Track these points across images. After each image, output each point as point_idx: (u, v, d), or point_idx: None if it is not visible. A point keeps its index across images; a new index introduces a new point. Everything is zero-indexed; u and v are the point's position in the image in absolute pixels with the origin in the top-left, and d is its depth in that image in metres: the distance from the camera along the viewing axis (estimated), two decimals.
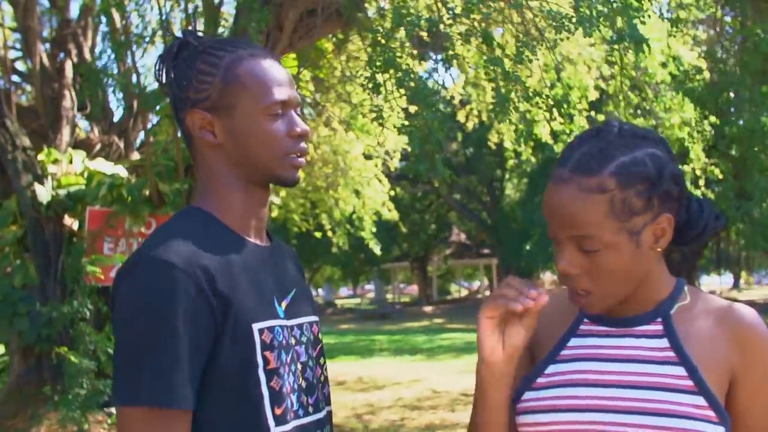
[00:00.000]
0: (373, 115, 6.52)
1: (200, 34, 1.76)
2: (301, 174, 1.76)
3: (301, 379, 1.70)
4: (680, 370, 1.56)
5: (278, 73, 1.71)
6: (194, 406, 1.51)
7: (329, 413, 1.82)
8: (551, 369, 1.68)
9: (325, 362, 1.85)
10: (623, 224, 1.55)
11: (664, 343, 1.61)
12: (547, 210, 1.62)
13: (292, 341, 1.69)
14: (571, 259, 1.59)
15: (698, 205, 1.70)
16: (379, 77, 6.04)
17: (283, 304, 1.71)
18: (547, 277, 48.29)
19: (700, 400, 1.52)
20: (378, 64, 5.90)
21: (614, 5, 5.41)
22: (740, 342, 1.58)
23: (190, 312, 1.50)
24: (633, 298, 1.65)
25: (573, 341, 1.70)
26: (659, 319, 1.64)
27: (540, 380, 1.67)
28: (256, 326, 1.59)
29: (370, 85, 6.09)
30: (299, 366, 1.70)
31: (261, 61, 1.70)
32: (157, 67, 1.74)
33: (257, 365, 1.58)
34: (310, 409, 1.71)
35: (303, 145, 1.73)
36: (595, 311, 1.64)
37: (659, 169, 1.57)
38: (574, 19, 5.38)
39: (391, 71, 5.98)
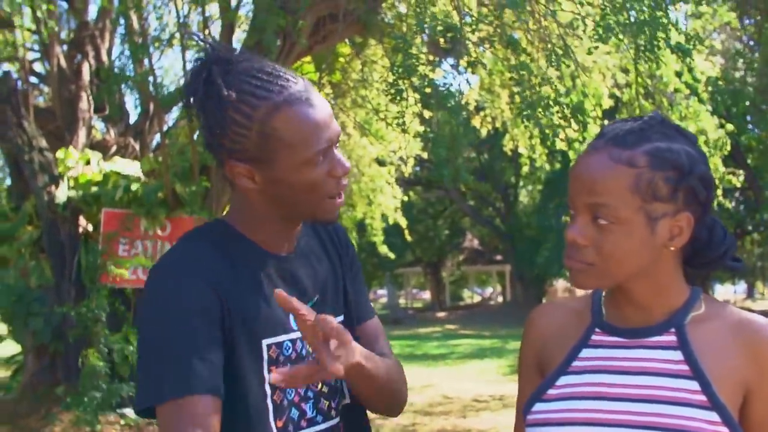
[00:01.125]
0: (392, 120, 6.54)
1: (224, 51, 1.64)
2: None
3: (320, 385, 1.70)
4: (694, 385, 1.52)
5: (318, 115, 1.61)
6: (221, 395, 1.52)
7: (355, 412, 1.83)
8: (562, 380, 1.64)
9: None
10: (644, 204, 1.52)
11: (678, 355, 1.56)
12: (573, 175, 1.59)
13: (308, 350, 1.68)
14: (582, 228, 1.56)
15: (723, 230, 1.65)
16: (402, 83, 6.06)
17: None
18: (560, 284, 48.17)
19: (714, 416, 1.48)
20: (399, 71, 5.91)
21: (642, 17, 5.42)
22: (756, 355, 1.53)
23: (208, 315, 1.53)
24: (646, 305, 1.61)
25: (584, 352, 1.66)
26: (672, 330, 1.59)
27: (551, 392, 1.63)
28: (265, 342, 1.61)
29: (392, 91, 6.10)
30: None
31: (297, 107, 1.58)
32: (185, 94, 1.65)
33: (264, 379, 1.60)
34: (333, 413, 1.73)
35: (344, 182, 1.68)
36: (587, 287, 1.61)
37: (691, 164, 1.54)
38: (600, 29, 5.39)
39: (413, 78, 6.00)
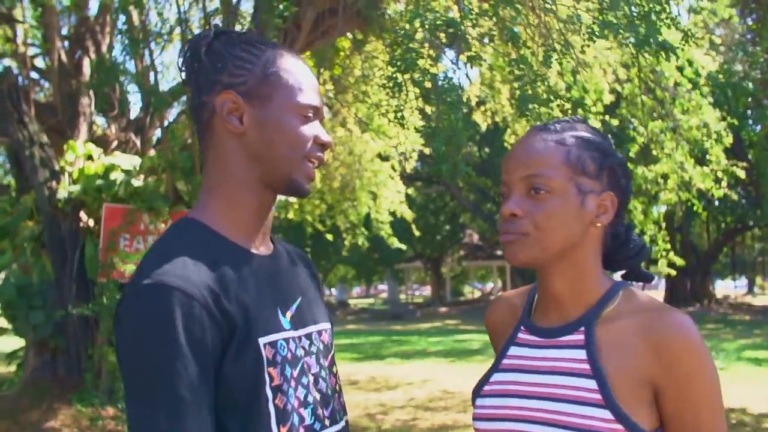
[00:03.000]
0: (392, 115, 6.53)
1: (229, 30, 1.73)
2: (316, 180, 1.73)
3: (314, 391, 1.65)
4: (591, 383, 1.58)
5: (313, 79, 1.71)
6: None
7: (347, 424, 1.78)
8: (494, 378, 1.75)
9: (337, 371, 1.80)
10: (574, 176, 1.64)
11: (582, 354, 1.62)
12: (507, 157, 1.71)
13: (301, 353, 1.64)
14: (518, 201, 1.64)
15: (636, 235, 1.78)
16: (400, 77, 6.05)
17: (288, 314, 1.65)
18: None
19: (607, 414, 1.53)
20: (398, 64, 5.91)
21: (640, 11, 5.41)
22: (660, 352, 1.57)
23: (197, 336, 1.45)
24: (562, 298, 1.69)
25: (512, 350, 1.76)
26: (582, 329, 1.65)
27: (486, 388, 1.76)
28: (261, 341, 1.54)
29: (391, 85, 6.10)
30: (311, 378, 1.65)
31: (299, 62, 1.70)
32: (186, 52, 1.68)
33: (264, 382, 1.53)
34: (327, 422, 1.66)
35: (323, 155, 1.71)
36: (521, 259, 1.66)
37: (612, 150, 1.71)
38: (595, 26, 5.39)
39: (412, 73, 5.99)
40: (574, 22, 5.73)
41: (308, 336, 1.69)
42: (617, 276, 1.84)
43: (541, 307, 1.76)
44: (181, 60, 1.69)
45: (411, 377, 14.18)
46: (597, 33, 5.40)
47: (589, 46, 5.66)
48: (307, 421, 1.60)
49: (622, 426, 1.53)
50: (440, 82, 6.41)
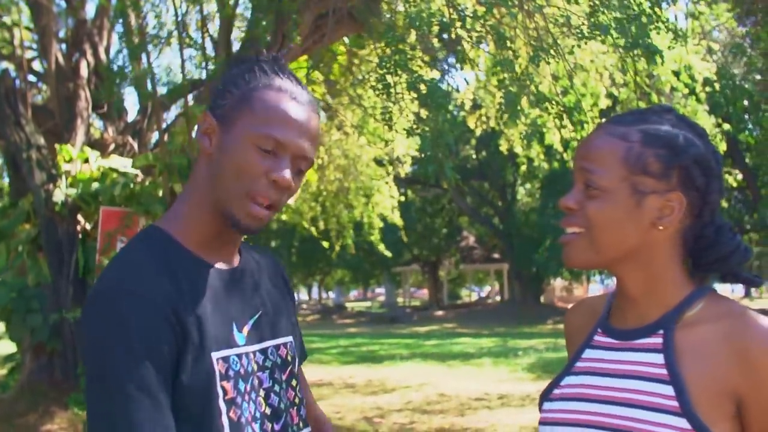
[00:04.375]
0: (380, 116, 6.54)
1: (282, 61, 1.73)
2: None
3: (264, 406, 1.64)
4: (668, 389, 1.49)
5: (296, 116, 1.62)
6: None
7: None
8: (566, 381, 1.67)
9: (298, 384, 1.79)
10: (630, 176, 1.55)
11: (659, 358, 1.54)
12: (576, 148, 1.68)
13: (254, 368, 1.64)
14: (575, 193, 1.61)
15: (732, 234, 1.63)
16: (390, 79, 6.06)
17: (245, 329, 1.65)
18: (558, 283, 48.22)
19: (684, 423, 1.45)
20: (388, 65, 5.92)
21: (629, 14, 5.42)
22: (745, 360, 1.46)
23: (154, 341, 1.47)
24: (639, 299, 1.61)
25: (586, 353, 1.68)
26: (660, 332, 1.57)
27: (556, 391, 1.67)
28: (214, 355, 1.55)
29: (380, 86, 6.11)
30: (261, 393, 1.65)
31: (286, 97, 1.63)
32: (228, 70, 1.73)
33: (217, 396, 1.54)
34: None
35: (275, 194, 1.61)
36: (576, 261, 1.62)
37: (687, 145, 1.57)
38: (585, 27, 5.40)
39: (403, 76, 6.00)
40: (564, 24, 5.74)
41: (263, 351, 1.69)
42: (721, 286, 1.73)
43: (618, 309, 1.68)
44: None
45: (408, 380, 14.18)
46: (587, 34, 5.41)
47: (579, 46, 5.67)
48: None
49: None
50: (428, 84, 6.42)
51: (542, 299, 41.08)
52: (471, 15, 5.97)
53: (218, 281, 1.65)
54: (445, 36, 6.18)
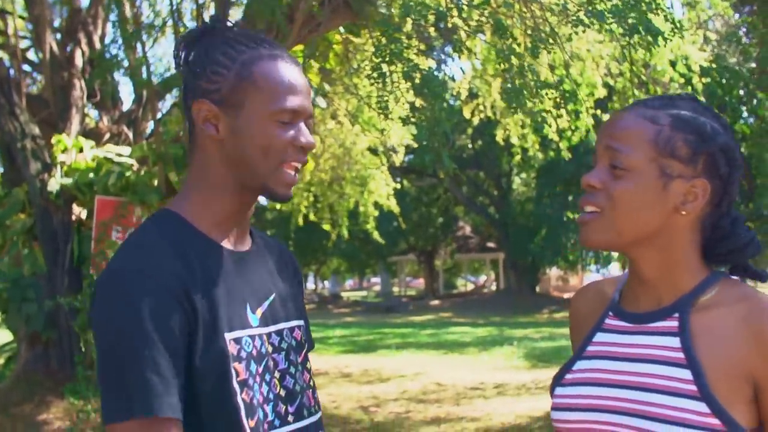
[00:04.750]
0: (375, 105, 6.52)
1: (229, 23, 1.71)
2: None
3: (279, 387, 1.65)
4: (686, 373, 1.49)
5: (295, 79, 1.65)
6: (181, 416, 1.48)
7: (317, 421, 1.76)
8: (578, 365, 1.67)
9: (310, 367, 1.80)
10: (658, 157, 1.55)
11: (675, 342, 1.53)
12: (601, 126, 1.65)
13: (268, 349, 1.65)
14: (599, 171, 1.59)
15: (746, 228, 1.64)
16: (385, 67, 6.04)
17: (258, 311, 1.66)
18: (554, 272, 48.26)
19: (702, 407, 1.45)
20: (384, 54, 5.90)
21: (626, 0, 5.41)
22: (764, 344, 1.47)
23: (165, 322, 1.47)
24: (655, 282, 1.61)
25: (598, 336, 1.67)
26: (676, 315, 1.56)
27: (568, 376, 1.67)
28: (227, 336, 1.56)
29: (375, 75, 6.09)
30: (277, 374, 1.65)
31: (280, 63, 1.64)
32: (176, 50, 1.69)
33: (231, 376, 1.54)
34: (290, 418, 1.67)
35: (303, 157, 1.67)
36: (594, 241, 1.61)
37: (714, 133, 1.57)
38: (581, 14, 5.39)
39: (398, 65, 5.98)
40: (562, 11, 5.72)
41: (279, 332, 1.70)
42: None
43: (631, 292, 1.67)
44: (174, 57, 1.70)
45: (404, 370, 14.20)
46: (585, 21, 5.39)
47: (576, 33, 5.65)
48: (269, 416, 1.62)
49: (719, 420, 1.44)
50: (424, 72, 6.41)
51: (538, 289, 41.11)
52: (467, 3, 5.95)
53: (231, 263, 1.65)
54: (442, 25, 6.15)
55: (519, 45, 6.21)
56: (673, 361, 1.52)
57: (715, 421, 1.44)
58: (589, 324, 1.72)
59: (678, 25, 5.84)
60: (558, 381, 1.68)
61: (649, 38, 5.44)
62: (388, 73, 6.08)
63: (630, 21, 5.32)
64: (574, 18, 5.47)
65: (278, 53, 1.67)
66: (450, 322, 27.99)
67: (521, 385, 11.88)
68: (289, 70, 1.65)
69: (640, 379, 1.54)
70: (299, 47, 8.35)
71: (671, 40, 5.92)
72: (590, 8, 5.38)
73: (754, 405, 1.49)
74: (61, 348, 8.89)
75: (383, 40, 6.04)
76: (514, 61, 5.87)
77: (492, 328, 24.42)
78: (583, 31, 5.57)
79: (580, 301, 1.83)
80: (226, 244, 1.67)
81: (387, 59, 5.90)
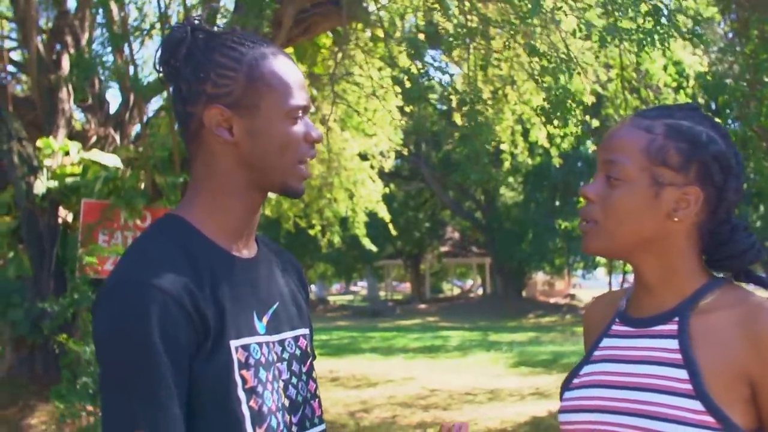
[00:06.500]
0: (370, 114, 6.53)
1: (206, 26, 1.66)
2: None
3: (283, 397, 1.63)
4: (682, 373, 1.53)
5: (298, 75, 1.66)
6: (184, 429, 1.47)
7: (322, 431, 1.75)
8: (585, 370, 1.71)
9: (316, 377, 1.78)
10: (651, 166, 1.59)
11: (674, 344, 1.58)
12: (601, 141, 1.71)
13: (273, 358, 1.63)
14: (596, 184, 1.65)
15: (747, 234, 1.66)
16: (374, 73, 6.04)
17: (264, 319, 1.64)
18: (540, 277, 48.33)
19: (697, 405, 1.49)
20: (373, 60, 5.90)
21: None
22: (759, 346, 1.51)
23: (171, 334, 1.45)
24: (656, 288, 1.65)
25: (604, 342, 1.72)
26: (676, 319, 1.61)
27: (575, 381, 1.72)
28: (233, 344, 1.54)
29: (364, 81, 6.08)
30: (281, 384, 1.64)
31: (283, 60, 1.65)
32: (161, 55, 1.63)
33: (236, 384, 1.52)
34: (294, 429, 1.65)
35: (313, 152, 1.68)
36: (591, 249, 1.67)
37: (708, 142, 1.61)
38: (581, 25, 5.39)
39: (387, 70, 5.99)
40: (551, 19, 5.73)
41: (281, 342, 1.68)
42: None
43: (636, 299, 1.72)
44: (158, 59, 1.64)
45: (391, 374, 14.19)
46: (582, 29, 5.39)
47: (575, 32, 5.63)
48: (280, 426, 1.60)
49: (713, 418, 1.48)
50: (412, 79, 6.41)
51: (524, 293, 41.16)
52: (457, 7, 5.96)
53: (238, 270, 1.63)
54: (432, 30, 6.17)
55: (507, 48, 6.21)
56: (671, 362, 1.56)
57: (709, 419, 1.48)
58: (598, 331, 1.77)
59: (662, 40, 5.85)
60: (566, 385, 1.73)
61: (645, 40, 5.44)
62: (378, 79, 6.09)
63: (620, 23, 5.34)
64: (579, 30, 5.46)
65: (277, 50, 1.67)
66: (437, 327, 28.01)
67: (508, 390, 11.89)
68: (291, 66, 1.66)
69: (640, 379, 1.58)
70: (289, 50, 8.34)
71: (666, 44, 5.93)
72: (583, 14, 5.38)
73: (752, 405, 1.52)
74: (46, 352, 8.83)
75: (371, 46, 6.05)
76: (505, 66, 5.88)
77: (478, 332, 24.43)
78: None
79: (592, 310, 1.89)
80: (233, 251, 1.65)
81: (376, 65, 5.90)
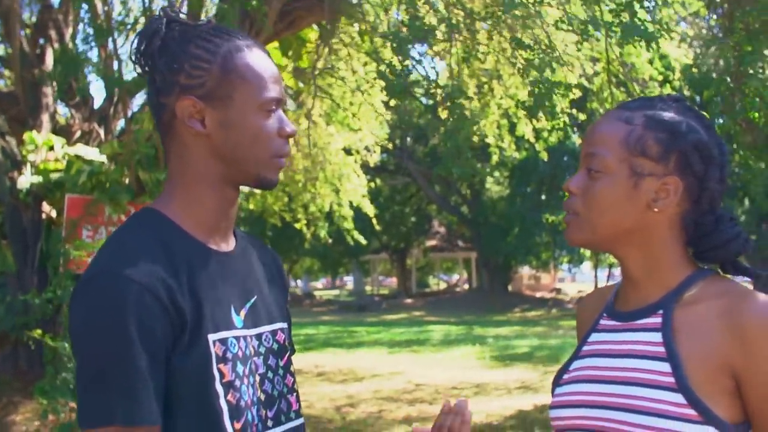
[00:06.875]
0: (355, 108, 6.52)
1: (183, 17, 1.67)
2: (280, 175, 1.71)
3: (259, 391, 1.63)
4: (665, 366, 1.53)
5: (273, 68, 1.67)
6: (161, 421, 1.47)
7: (297, 427, 1.74)
8: (574, 365, 1.72)
9: (294, 371, 1.79)
10: (629, 157, 1.60)
11: (657, 337, 1.58)
12: (584, 136, 1.72)
13: (250, 352, 1.63)
14: (578, 177, 1.66)
15: (732, 225, 1.65)
16: (359, 67, 6.03)
17: (242, 312, 1.64)
18: (526, 271, 48.46)
19: (679, 398, 1.49)
20: (359, 54, 5.90)
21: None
22: (740, 335, 1.50)
23: (148, 326, 1.44)
24: (640, 280, 1.65)
25: (592, 336, 1.73)
26: (660, 312, 1.61)
27: (565, 376, 1.73)
28: (211, 337, 1.54)
29: (349, 76, 6.07)
30: (257, 378, 1.64)
31: (258, 53, 1.65)
32: (136, 46, 1.63)
33: (214, 378, 1.52)
34: (270, 423, 1.65)
35: (287, 147, 1.68)
36: (574, 240, 1.68)
37: (687, 131, 1.61)
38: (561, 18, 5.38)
39: (372, 64, 5.98)
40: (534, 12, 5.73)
41: (258, 336, 1.68)
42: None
43: (623, 293, 1.72)
44: (133, 50, 1.64)
45: (377, 369, 14.20)
46: (566, 23, 5.39)
47: (558, 24, 5.62)
48: (255, 420, 1.60)
49: (695, 411, 1.48)
50: (396, 74, 6.40)
51: (510, 287, 41.26)
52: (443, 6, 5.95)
53: (215, 263, 1.63)
54: (417, 23, 6.15)
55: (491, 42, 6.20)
56: (654, 355, 1.56)
57: (691, 412, 1.48)
58: (588, 327, 1.78)
59: (661, 30, 5.86)
60: (557, 382, 1.75)
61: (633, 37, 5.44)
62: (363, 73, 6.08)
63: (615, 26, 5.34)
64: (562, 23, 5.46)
65: (252, 43, 1.67)
66: (423, 321, 28.04)
67: (494, 384, 11.92)
68: (266, 60, 1.67)
69: (624, 373, 1.59)
70: (274, 44, 8.31)
71: (657, 36, 5.93)
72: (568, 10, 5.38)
73: (736, 396, 1.52)
74: (30, 348, 8.78)
75: (358, 40, 6.03)
76: (491, 59, 5.88)
77: (465, 326, 24.47)
78: (557, 26, 5.56)
79: (582, 307, 1.90)
80: (211, 244, 1.65)
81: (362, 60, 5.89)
